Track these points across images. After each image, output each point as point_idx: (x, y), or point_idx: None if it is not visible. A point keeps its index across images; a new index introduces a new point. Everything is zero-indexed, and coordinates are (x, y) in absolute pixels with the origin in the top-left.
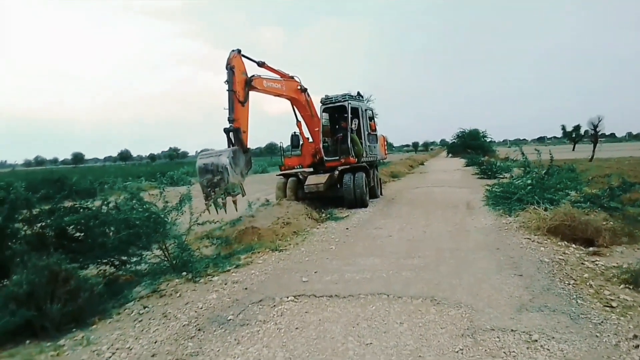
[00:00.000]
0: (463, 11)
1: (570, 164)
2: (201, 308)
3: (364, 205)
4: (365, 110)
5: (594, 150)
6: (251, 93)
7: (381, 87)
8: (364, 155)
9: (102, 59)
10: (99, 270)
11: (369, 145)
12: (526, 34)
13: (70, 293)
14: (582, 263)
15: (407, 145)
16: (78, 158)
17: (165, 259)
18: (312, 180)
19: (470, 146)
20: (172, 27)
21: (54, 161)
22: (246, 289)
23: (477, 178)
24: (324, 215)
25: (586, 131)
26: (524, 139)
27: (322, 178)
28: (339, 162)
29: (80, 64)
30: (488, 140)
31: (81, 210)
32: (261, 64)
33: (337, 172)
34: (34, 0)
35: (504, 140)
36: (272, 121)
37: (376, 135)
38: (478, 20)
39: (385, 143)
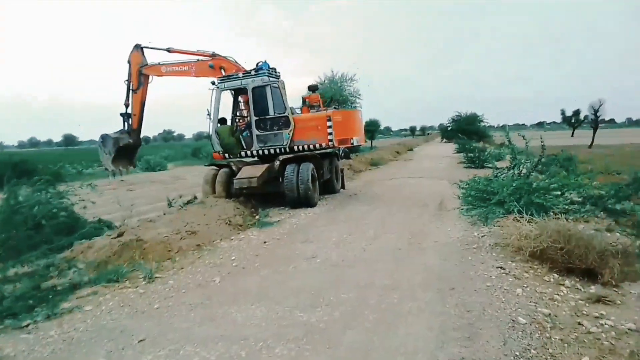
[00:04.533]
0: None
1: (568, 153)
2: None
3: (310, 204)
4: (261, 87)
5: (593, 137)
6: None
7: (378, 69)
8: (245, 147)
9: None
10: None
11: (263, 134)
12: (521, 10)
13: None
14: (580, 323)
15: (405, 130)
16: (69, 140)
17: None
18: (245, 172)
19: (464, 131)
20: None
21: (48, 143)
22: None
23: (464, 167)
24: (255, 218)
25: (586, 116)
26: (523, 124)
27: (258, 170)
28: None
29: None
30: (486, 125)
31: None
32: (169, 50)
33: (277, 163)
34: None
35: (502, 126)
36: None
37: (286, 117)
38: None
39: (359, 121)
